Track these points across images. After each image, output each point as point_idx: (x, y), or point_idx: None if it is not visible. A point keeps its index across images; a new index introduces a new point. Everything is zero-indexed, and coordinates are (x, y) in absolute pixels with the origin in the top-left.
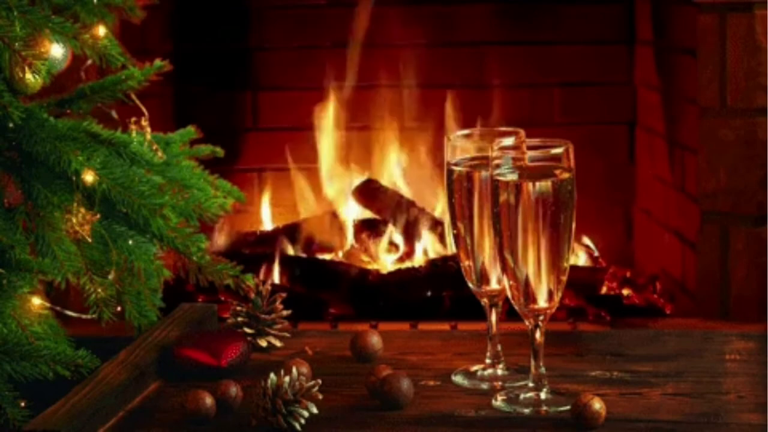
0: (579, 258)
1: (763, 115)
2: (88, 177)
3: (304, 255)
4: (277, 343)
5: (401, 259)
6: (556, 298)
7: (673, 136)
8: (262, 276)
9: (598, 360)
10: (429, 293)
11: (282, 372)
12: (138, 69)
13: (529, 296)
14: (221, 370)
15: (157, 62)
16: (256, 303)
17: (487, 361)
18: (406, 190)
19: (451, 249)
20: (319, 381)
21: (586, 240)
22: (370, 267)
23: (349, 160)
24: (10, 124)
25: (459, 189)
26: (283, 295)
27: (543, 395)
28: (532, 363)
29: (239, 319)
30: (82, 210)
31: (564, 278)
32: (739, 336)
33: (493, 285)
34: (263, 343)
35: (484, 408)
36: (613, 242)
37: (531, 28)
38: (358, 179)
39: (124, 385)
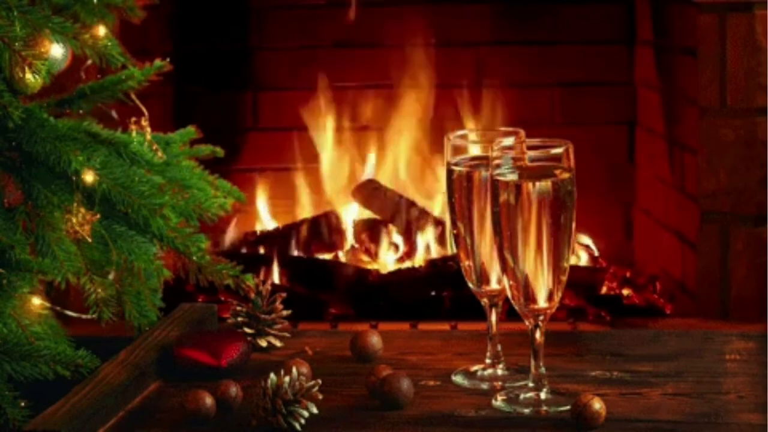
0: (579, 258)
1: (763, 115)
2: (88, 177)
3: (303, 255)
4: (277, 343)
5: (401, 259)
6: (556, 298)
7: (673, 136)
8: (262, 276)
9: (598, 360)
10: (429, 293)
11: (282, 372)
12: (138, 69)
13: (529, 296)
14: (221, 370)
15: (157, 62)
16: (256, 303)
17: (487, 361)
18: (406, 190)
19: (451, 249)
20: (319, 381)
21: (586, 240)
22: (370, 267)
23: (349, 160)
24: (10, 124)
25: (459, 189)
26: (283, 295)
27: (543, 395)
28: (532, 363)
29: (239, 319)
30: (82, 210)
31: (564, 278)
32: (739, 336)
33: (493, 285)
34: (263, 343)
35: (484, 408)
36: (613, 242)
37: (531, 28)
38: (358, 179)
39: (124, 385)
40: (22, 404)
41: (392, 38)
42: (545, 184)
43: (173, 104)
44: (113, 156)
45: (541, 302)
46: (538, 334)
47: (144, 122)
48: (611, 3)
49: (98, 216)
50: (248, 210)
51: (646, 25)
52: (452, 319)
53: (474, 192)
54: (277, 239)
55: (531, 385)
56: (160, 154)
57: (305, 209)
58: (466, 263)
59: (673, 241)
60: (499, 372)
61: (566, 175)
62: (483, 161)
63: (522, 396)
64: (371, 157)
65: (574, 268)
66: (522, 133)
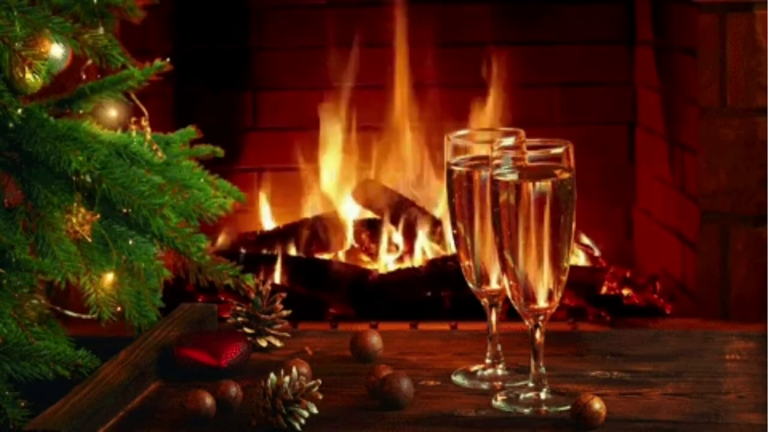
0: (579, 258)
1: (763, 115)
2: (88, 177)
3: (304, 255)
4: (277, 343)
5: (401, 259)
6: (556, 298)
7: (673, 136)
8: (262, 276)
9: (598, 360)
10: (429, 293)
11: (282, 372)
12: (138, 69)
13: (529, 296)
14: (221, 370)
15: (157, 62)
16: (256, 303)
17: (487, 361)
18: (406, 190)
19: (451, 249)
20: (319, 381)
21: (586, 240)
22: (370, 267)
23: (349, 160)
24: (10, 124)
25: (459, 189)
26: (283, 295)
27: (543, 395)
28: (532, 363)
29: (239, 319)
30: (82, 210)
31: (564, 278)
32: (739, 336)
33: (493, 285)
34: (263, 343)
35: (484, 408)
36: (613, 242)
37: (531, 28)
38: (358, 179)
39: (124, 385)
40: (22, 404)
41: (392, 38)
42: (545, 184)
43: (173, 104)
44: (113, 156)
45: (541, 302)
46: (538, 334)
47: (144, 122)
48: (611, 3)
49: (98, 216)
50: (248, 210)
51: (646, 25)
52: (452, 319)
53: (474, 192)
54: (277, 239)
55: (531, 385)
56: (160, 154)
57: (305, 209)
58: (466, 263)
59: (673, 241)
60: (499, 372)
61: (566, 175)
62: (483, 161)
63: (522, 396)
64: (371, 157)
65: (574, 268)
66: (522, 133)
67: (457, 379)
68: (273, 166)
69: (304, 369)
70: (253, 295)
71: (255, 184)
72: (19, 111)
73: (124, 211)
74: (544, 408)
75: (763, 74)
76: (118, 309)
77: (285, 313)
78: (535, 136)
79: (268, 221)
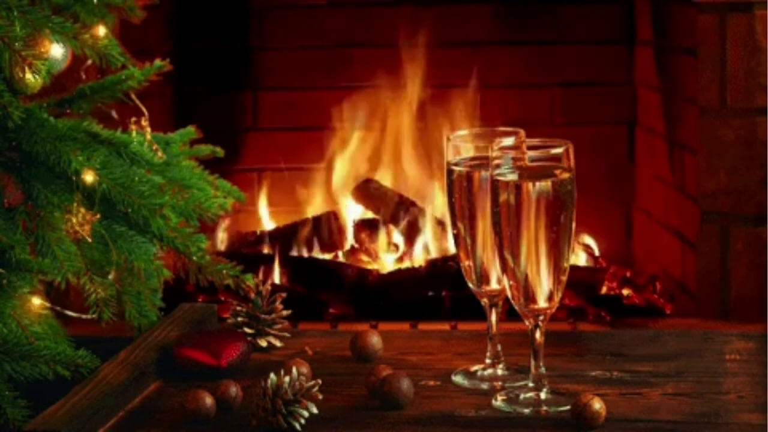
0: (579, 258)
1: (763, 115)
2: (88, 177)
3: (304, 255)
4: (277, 343)
5: (401, 259)
6: (556, 298)
7: (673, 136)
8: (262, 276)
9: (598, 360)
10: (429, 293)
11: (282, 372)
12: (138, 69)
13: (529, 296)
14: (221, 370)
15: (157, 62)
16: (256, 303)
17: (487, 361)
18: (406, 190)
19: (451, 249)
20: (319, 381)
21: (586, 240)
22: (370, 267)
23: (350, 160)
24: (10, 124)
25: (459, 189)
26: (283, 295)
27: (543, 395)
28: (532, 363)
29: (239, 319)
30: (82, 210)
31: (564, 278)
32: (739, 336)
33: (493, 285)
34: (263, 343)
35: (484, 408)
36: (613, 242)
37: (531, 28)
38: (358, 179)
39: (124, 385)
40: (22, 404)
41: (392, 38)
42: (545, 184)
43: (173, 104)
44: (113, 156)
45: (541, 302)
46: (538, 334)
47: (144, 122)
48: (611, 3)
49: (98, 216)
50: (248, 210)
51: (646, 25)
52: (452, 319)
53: (474, 192)
54: (277, 239)
55: (531, 385)
56: (160, 154)
57: (305, 209)
58: (466, 263)
59: (673, 241)
60: (499, 372)
61: (566, 175)
62: (483, 161)
63: (522, 396)
64: (371, 157)
65: (574, 268)
66: (522, 133)
67: (457, 379)
68: (273, 166)
69: (304, 369)
70: (253, 295)
71: (255, 184)
72: (19, 111)
73: (124, 211)
74: (544, 408)
75: (763, 74)
76: (118, 309)
77: (285, 313)
78: (535, 136)
79: (268, 221)
